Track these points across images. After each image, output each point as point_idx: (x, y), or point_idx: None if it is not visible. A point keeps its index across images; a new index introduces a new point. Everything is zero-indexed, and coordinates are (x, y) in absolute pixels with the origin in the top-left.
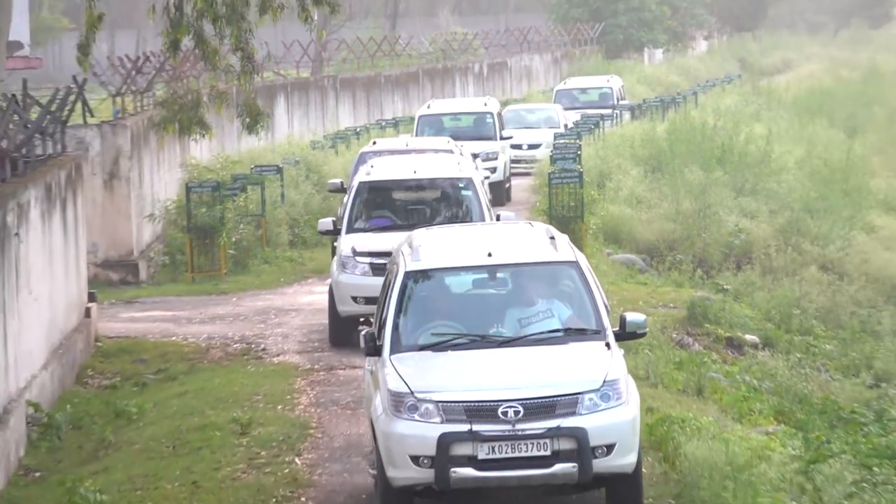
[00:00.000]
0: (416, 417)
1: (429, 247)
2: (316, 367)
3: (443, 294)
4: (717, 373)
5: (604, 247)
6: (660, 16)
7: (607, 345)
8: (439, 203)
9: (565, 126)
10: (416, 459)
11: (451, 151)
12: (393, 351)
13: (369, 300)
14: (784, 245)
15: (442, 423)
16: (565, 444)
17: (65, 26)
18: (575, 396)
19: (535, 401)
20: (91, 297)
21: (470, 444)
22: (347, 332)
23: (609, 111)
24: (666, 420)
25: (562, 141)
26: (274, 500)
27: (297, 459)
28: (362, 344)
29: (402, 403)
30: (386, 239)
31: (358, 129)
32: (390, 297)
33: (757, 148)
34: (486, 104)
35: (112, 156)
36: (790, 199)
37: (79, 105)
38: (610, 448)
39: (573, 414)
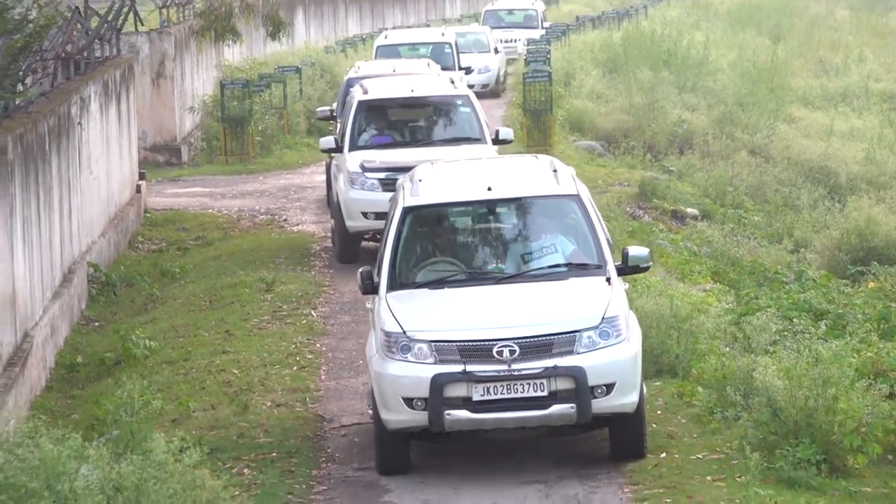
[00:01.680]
0: (410, 358)
1: (429, 181)
2: (329, 234)
3: (442, 230)
4: (664, 240)
5: (569, 135)
6: None
7: (608, 280)
8: (439, 120)
9: (494, 49)
10: (409, 402)
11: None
12: (389, 289)
13: (379, 215)
14: (719, 133)
15: (435, 363)
16: (563, 384)
17: None
18: (572, 334)
19: (531, 339)
20: (141, 176)
21: (464, 384)
22: (355, 249)
23: (533, 31)
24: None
25: (534, 46)
26: (293, 345)
27: (313, 312)
28: (359, 281)
29: (394, 344)
30: (392, 154)
31: (364, 36)
32: (388, 233)
33: (696, 52)
34: (443, 34)
35: (159, 58)
36: (724, 95)
37: (131, 16)
38: (610, 387)
39: (571, 353)
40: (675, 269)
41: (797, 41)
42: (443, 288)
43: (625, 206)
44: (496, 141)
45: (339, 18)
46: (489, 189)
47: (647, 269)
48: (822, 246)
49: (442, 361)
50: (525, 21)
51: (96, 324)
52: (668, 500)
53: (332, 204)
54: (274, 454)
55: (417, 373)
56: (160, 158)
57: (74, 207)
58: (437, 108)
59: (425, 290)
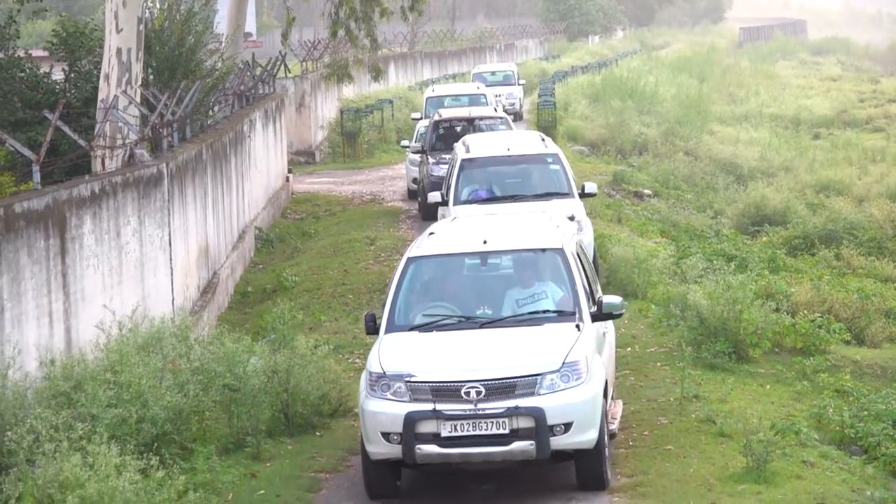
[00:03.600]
0: (389, 396)
1: (438, 236)
2: (412, 209)
3: (440, 278)
4: (629, 210)
5: (567, 142)
6: (596, 16)
7: (577, 326)
8: (532, 176)
9: (518, 83)
10: (386, 436)
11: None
12: (387, 330)
13: None
14: (664, 141)
15: (410, 402)
16: (524, 423)
17: (274, 24)
18: (534, 377)
19: (496, 381)
20: (289, 171)
21: (434, 422)
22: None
23: (513, 87)
24: (601, 236)
25: (545, 85)
26: (387, 278)
27: (399, 257)
28: (365, 323)
29: (376, 382)
30: (491, 210)
31: (434, 80)
32: (392, 280)
33: (649, 88)
34: (478, 87)
35: (300, 94)
36: (668, 116)
37: (282, 68)
38: (568, 426)
39: (532, 394)
40: (636, 229)
41: (715, 81)
42: (431, 331)
43: (603, 189)
44: (582, 195)
45: (417, 68)
46: (484, 242)
47: (620, 315)
48: (732, 214)
49: (415, 400)
50: (504, 80)
51: (260, 266)
52: (632, 378)
53: (419, 185)
54: None
55: (394, 410)
56: (301, 159)
57: (245, 190)
58: (530, 166)
59: (415, 333)
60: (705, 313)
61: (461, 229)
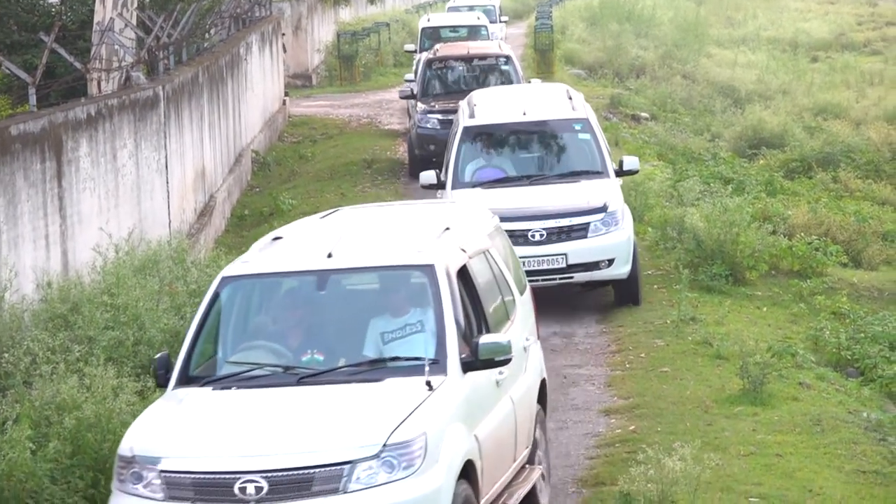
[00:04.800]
0: (140, 490)
1: (284, 243)
2: (406, 132)
3: (266, 306)
4: (626, 133)
5: (564, 66)
6: None
7: (429, 384)
8: (555, 150)
9: (500, 19)
10: None
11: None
12: (178, 383)
13: None
14: (662, 64)
15: (164, 500)
16: None
17: None
18: (339, 467)
19: (284, 473)
20: (285, 94)
21: None
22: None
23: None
24: None
25: (542, 8)
26: (387, 203)
27: (398, 181)
28: (152, 370)
29: (124, 471)
30: (503, 197)
31: (430, 2)
32: (196, 312)
33: (647, 12)
34: (478, 18)
35: (297, 17)
36: (665, 40)
37: None
38: None
39: (336, 492)
40: (633, 152)
41: (713, 4)
42: (231, 388)
43: (601, 112)
44: (620, 172)
45: None
46: (329, 256)
47: (505, 362)
48: (730, 136)
49: (173, 499)
50: (486, 15)
51: (257, 189)
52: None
53: (408, 137)
54: None
55: None
56: (298, 82)
57: (242, 113)
58: (554, 135)
59: (208, 391)
60: (702, 236)
61: (317, 232)
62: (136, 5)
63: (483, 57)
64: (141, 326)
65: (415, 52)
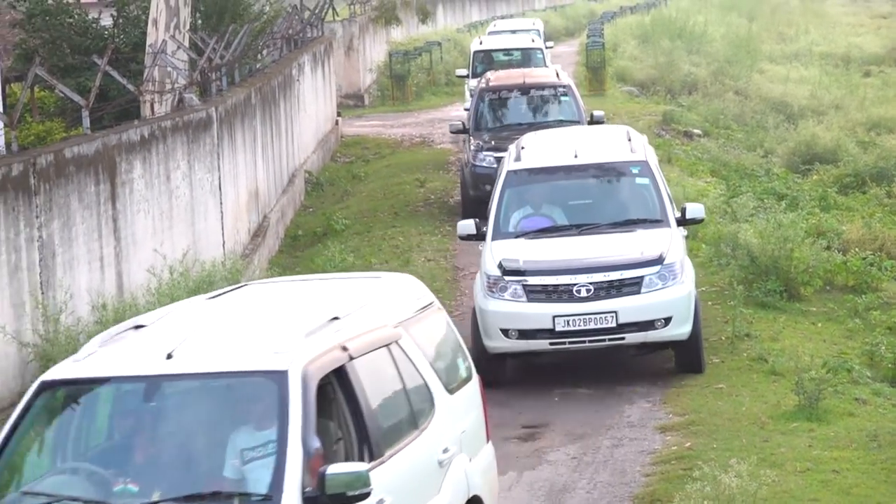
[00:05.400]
0: None
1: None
2: (459, 149)
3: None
4: (679, 150)
5: (616, 83)
6: None
7: None
8: (611, 196)
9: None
10: None
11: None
12: None
13: (524, 333)
14: (714, 81)
15: None
16: None
17: None
18: None
19: None
20: (338, 114)
21: None
22: None
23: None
24: None
25: (594, 26)
26: (438, 221)
27: (450, 200)
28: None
29: None
30: (550, 249)
31: (482, 21)
32: None
33: (699, 28)
34: (532, 40)
35: (349, 37)
36: (717, 56)
37: (330, 11)
38: None
39: None
40: (686, 168)
41: (765, 20)
42: None
43: (653, 129)
44: (683, 221)
45: (465, 10)
46: (169, 357)
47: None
48: (783, 152)
49: None
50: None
51: (310, 209)
52: None
53: (461, 176)
54: None
55: None
56: (350, 102)
57: (295, 134)
58: (608, 180)
59: None
60: (756, 252)
61: (182, 321)
62: (188, 27)
63: (541, 87)
64: None
65: (467, 76)
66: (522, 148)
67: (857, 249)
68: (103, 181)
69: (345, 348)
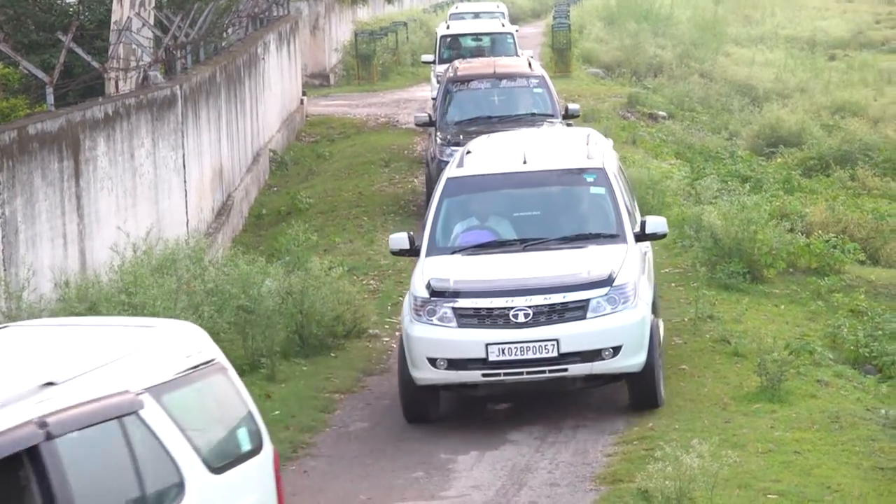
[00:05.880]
0: None
1: None
2: (424, 131)
3: None
4: (643, 132)
5: (582, 65)
6: None
7: None
8: (561, 208)
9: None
10: None
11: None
12: None
13: (453, 363)
14: (680, 63)
15: None
16: None
17: None
18: None
19: None
20: (303, 93)
21: None
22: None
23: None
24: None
25: (560, 7)
26: (403, 201)
27: (414, 180)
28: None
29: None
30: (488, 267)
31: (448, 1)
32: None
33: (665, 10)
34: (503, 24)
35: (314, 17)
36: (683, 39)
37: None
38: None
39: None
40: (651, 150)
41: (731, 3)
42: None
43: (617, 111)
44: (642, 236)
45: None
46: None
47: None
48: (747, 135)
49: None
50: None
51: (275, 189)
52: None
53: (426, 170)
54: (390, 272)
55: None
56: (315, 82)
57: (260, 112)
58: (560, 190)
59: None
60: (720, 234)
61: None
62: (153, 5)
63: (512, 77)
64: None
65: (433, 62)
66: (468, 153)
67: (820, 232)
68: (67, 158)
69: (43, 424)
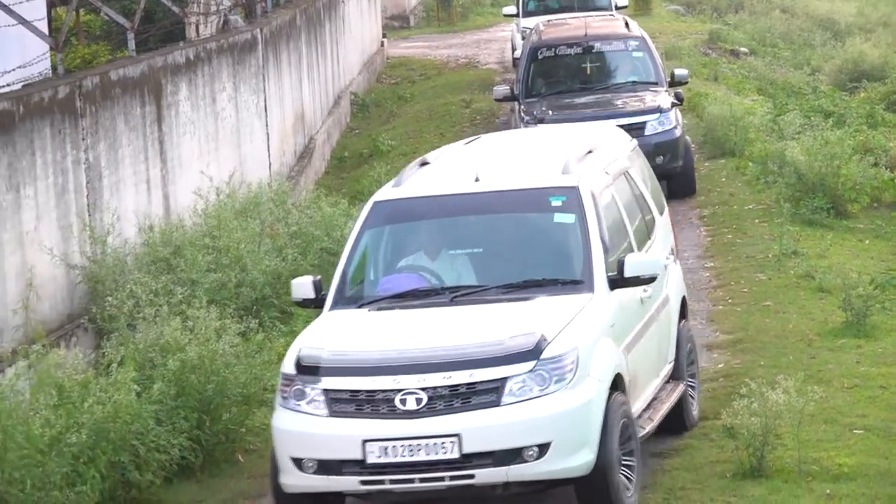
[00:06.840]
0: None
1: None
2: (504, 71)
3: None
4: (725, 69)
5: (662, 2)
6: None
7: None
8: (510, 243)
9: None
10: None
11: None
12: None
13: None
14: None
15: None
16: None
17: None
18: None
19: None
20: (383, 35)
21: None
22: None
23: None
24: (697, 95)
25: None
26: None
27: (496, 120)
28: None
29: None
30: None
31: None
32: None
33: None
34: None
35: None
36: None
37: None
38: None
39: None
40: (733, 87)
41: None
42: None
43: (699, 48)
44: (620, 281)
45: None
46: None
47: None
48: (830, 70)
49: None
50: None
51: (356, 131)
52: (730, 235)
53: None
54: None
55: None
56: (395, 24)
57: (340, 55)
58: (515, 219)
59: None
60: (803, 169)
61: None
62: None
63: (607, 40)
64: (243, 268)
65: (516, 15)
66: (423, 164)
67: None
68: (149, 103)
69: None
